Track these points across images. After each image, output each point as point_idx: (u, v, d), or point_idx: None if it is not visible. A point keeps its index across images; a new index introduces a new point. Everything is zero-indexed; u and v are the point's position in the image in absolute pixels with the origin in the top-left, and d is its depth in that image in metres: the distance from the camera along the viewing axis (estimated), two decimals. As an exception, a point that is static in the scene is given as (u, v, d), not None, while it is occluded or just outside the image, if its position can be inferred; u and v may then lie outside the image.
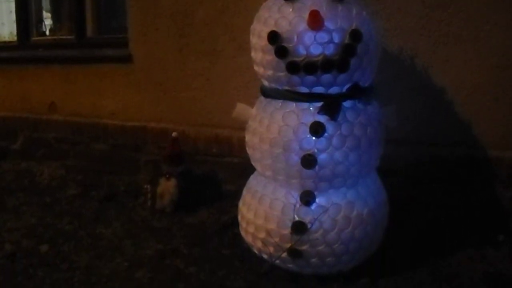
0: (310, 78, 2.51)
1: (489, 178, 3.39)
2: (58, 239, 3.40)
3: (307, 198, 2.64)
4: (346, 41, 2.48)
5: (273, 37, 2.51)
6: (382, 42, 3.03)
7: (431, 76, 3.44)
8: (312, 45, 2.47)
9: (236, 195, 3.14)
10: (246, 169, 3.09)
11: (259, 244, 2.81)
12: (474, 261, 2.99)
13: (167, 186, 3.84)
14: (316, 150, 2.55)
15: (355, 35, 2.48)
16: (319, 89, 2.56)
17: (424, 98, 3.48)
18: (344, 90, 2.59)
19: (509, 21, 3.25)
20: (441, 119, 3.47)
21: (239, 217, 2.99)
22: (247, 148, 2.91)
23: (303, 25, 2.47)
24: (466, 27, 3.34)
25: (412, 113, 3.46)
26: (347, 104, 2.60)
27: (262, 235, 2.76)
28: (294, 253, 2.67)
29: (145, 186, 4.07)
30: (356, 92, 2.61)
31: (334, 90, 2.57)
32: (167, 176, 3.87)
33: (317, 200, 2.65)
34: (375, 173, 2.93)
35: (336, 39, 2.48)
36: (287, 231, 2.64)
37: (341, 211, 2.64)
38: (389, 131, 2.84)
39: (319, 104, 2.55)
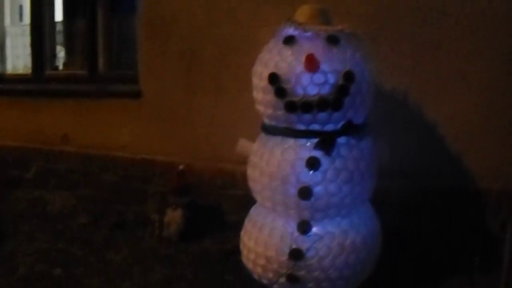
0: (307, 117, 2.68)
1: (478, 208, 3.53)
2: (70, 264, 3.53)
3: (303, 227, 2.76)
4: (340, 82, 2.64)
5: (273, 78, 2.69)
6: (377, 81, 3.20)
7: (422, 112, 3.59)
8: (308, 85, 2.64)
9: (238, 225, 3.24)
10: (248, 201, 3.20)
11: (259, 270, 2.93)
12: (464, 287, 3.12)
13: (174, 216, 3.97)
14: (312, 183, 2.69)
15: (349, 76, 2.64)
16: (315, 127, 2.71)
17: (416, 133, 3.63)
18: (338, 127, 2.74)
19: (496, 60, 3.43)
20: (433, 153, 3.62)
21: (241, 245, 3.11)
22: (248, 181, 3.04)
23: (300, 67, 2.64)
24: (456, 66, 3.51)
25: (405, 148, 3.58)
26: (341, 140, 2.75)
27: (262, 261, 2.88)
28: (292, 278, 2.79)
29: (153, 216, 4.20)
30: (349, 129, 2.75)
31: (329, 127, 2.72)
32: (173, 206, 4.01)
33: (313, 229, 2.77)
34: (369, 204, 3.06)
35: (331, 80, 2.64)
36: (285, 258, 2.76)
37: (335, 239, 2.77)
38: (383, 164, 2.98)
39: (315, 140, 2.71)
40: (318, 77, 2.64)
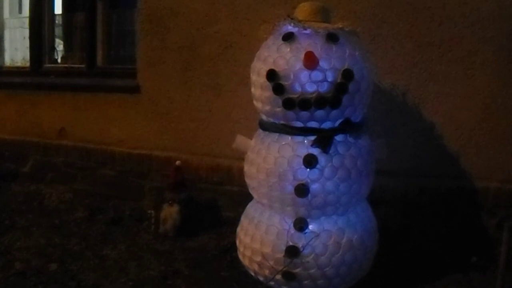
0: (305, 114, 2.68)
1: (475, 208, 3.56)
2: (67, 259, 3.52)
3: (300, 225, 2.78)
4: (339, 80, 2.65)
5: (271, 75, 2.70)
6: (376, 79, 3.21)
7: (421, 112, 3.61)
8: (307, 83, 2.65)
9: (235, 222, 3.26)
10: (244, 197, 3.22)
11: (255, 267, 2.95)
12: (461, 285, 3.15)
13: (170, 212, 3.96)
14: (309, 180, 2.71)
15: (347, 74, 2.65)
16: (313, 124, 2.72)
17: (414, 133, 3.64)
18: (336, 125, 2.75)
19: (495, 60, 3.45)
20: (431, 152, 3.63)
21: (237, 242, 3.13)
22: (245, 177, 3.06)
23: (299, 65, 2.65)
24: (455, 66, 3.52)
25: (403, 146, 3.62)
26: (338, 138, 2.76)
27: (258, 258, 2.90)
28: (288, 275, 2.80)
29: (149, 212, 4.22)
30: (347, 127, 2.77)
31: (326, 125, 2.74)
32: (170, 202, 4.00)
33: (309, 226, 2.79)
34: (366, 202, 3.08)
35: (330, 78, 2.65)
36: (281, 254, 2.78)
37: (332, 237, 2.78)
38: (381, 163, 2.99)
39: (313, 137, 2.72)
40: (317, 75, 2.65)
